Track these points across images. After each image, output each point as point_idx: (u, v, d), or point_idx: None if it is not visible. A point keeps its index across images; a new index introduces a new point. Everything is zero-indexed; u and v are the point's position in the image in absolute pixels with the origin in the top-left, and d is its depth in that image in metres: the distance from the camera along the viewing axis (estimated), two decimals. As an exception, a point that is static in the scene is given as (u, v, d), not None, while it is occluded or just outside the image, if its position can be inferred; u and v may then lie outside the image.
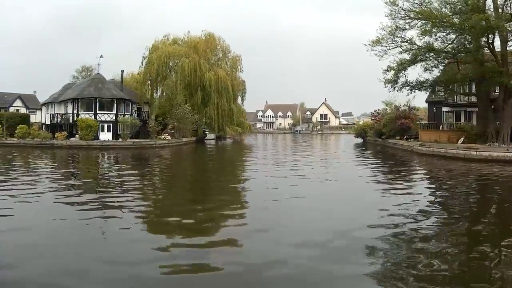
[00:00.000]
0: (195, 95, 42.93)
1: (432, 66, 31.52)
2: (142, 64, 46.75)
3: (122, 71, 46.22)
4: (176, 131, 39.74)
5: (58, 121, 43.32)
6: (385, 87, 31.93)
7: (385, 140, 40.44)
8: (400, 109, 43.61)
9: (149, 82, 45.59)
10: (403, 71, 31.33)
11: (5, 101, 67.67)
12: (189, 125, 40.93)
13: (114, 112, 41.52)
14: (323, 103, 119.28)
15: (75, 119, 40.88)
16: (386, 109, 48.71)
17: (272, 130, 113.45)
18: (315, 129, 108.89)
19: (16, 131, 39.52)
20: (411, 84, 32.28)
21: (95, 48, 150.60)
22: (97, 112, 40.53)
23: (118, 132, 40.91)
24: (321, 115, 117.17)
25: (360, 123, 67.71)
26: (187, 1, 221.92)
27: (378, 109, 51.14)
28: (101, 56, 44.48)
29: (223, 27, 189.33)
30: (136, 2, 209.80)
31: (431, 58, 30.99)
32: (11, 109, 63.80)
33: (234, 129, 47.51)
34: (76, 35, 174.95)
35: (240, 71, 50.18)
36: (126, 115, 43.03)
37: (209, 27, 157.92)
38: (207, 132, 48.78)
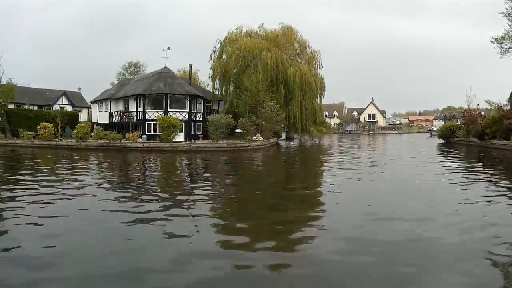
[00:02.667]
0: (277, 92, 37.77)
1: None
2: (211, 59, 41.78)
3: (191, 66, 41.41)
4: (262, 131, 34.66)
5: (120, 119, 38.84)
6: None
7: (487, 141, 36.37)
8: (504, 109, 38.85)
9: (223, 77, 40.57)
10: None
11: (47, 98, 63.28)
12: (276, 125, 35.96)
13: (187, 110, 36.92)
14: (371, 102, 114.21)
15: (139, 117, 36.51)
16: (478, 108, 44.45)
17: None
18: (364, 129, 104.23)
19: (73, 131, 35.01)
20: None
21: (121, 48, 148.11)
22: (168, 109, 35.94)
23: (191, 133, 36.55)
24: (369, 114, 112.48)
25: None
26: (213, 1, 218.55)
27: (469, 108, 46.67)
28: (169, 48, 39.36)
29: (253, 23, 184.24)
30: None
31: None
32: (55, 107, 59.21)
33: (318, 129, 42.17)
34: (99, 36, 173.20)
35: (320, 68, 44.81)
36: (198, 114, 38.68)
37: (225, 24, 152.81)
38: (282, 133, 43.71)
